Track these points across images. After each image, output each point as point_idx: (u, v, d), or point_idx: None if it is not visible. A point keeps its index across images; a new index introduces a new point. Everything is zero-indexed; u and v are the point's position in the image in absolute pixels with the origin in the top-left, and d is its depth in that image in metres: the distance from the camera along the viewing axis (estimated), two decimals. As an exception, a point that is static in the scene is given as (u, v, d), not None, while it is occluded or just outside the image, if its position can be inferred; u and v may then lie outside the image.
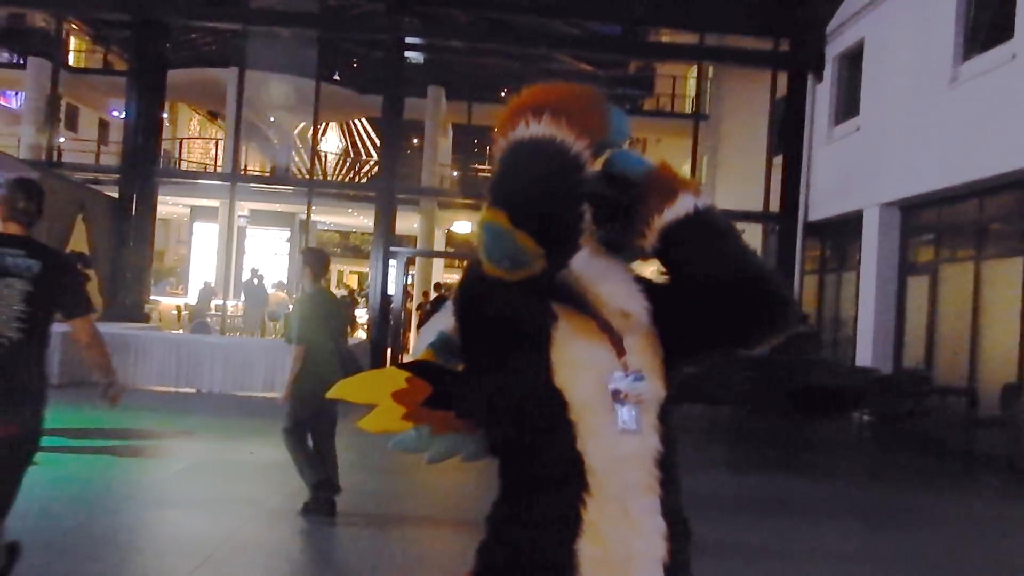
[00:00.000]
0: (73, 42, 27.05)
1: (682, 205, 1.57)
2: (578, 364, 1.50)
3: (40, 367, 3.19)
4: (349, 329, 5.60)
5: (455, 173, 28.30)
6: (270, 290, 19.65)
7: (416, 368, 1.74)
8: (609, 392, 1.50)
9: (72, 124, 28.73)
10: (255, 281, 18.66)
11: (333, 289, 34.78)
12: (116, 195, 14.51)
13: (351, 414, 8.48)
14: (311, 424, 5.39)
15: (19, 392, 3.07)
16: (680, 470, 1.60)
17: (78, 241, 13.37)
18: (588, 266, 1.57)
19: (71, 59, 26.42)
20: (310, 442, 5.41)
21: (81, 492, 5.55)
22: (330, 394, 1.76)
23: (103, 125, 30.41)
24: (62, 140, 25.77)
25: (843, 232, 13.44)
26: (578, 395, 1.49)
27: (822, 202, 13.68)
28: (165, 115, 24.71)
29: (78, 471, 6.05)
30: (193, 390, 10.72)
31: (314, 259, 5.63)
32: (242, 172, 22.38)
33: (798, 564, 5.05)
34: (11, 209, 3.22)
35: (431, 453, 1.74)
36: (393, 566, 4.50)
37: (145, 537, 4.74)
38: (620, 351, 1.54)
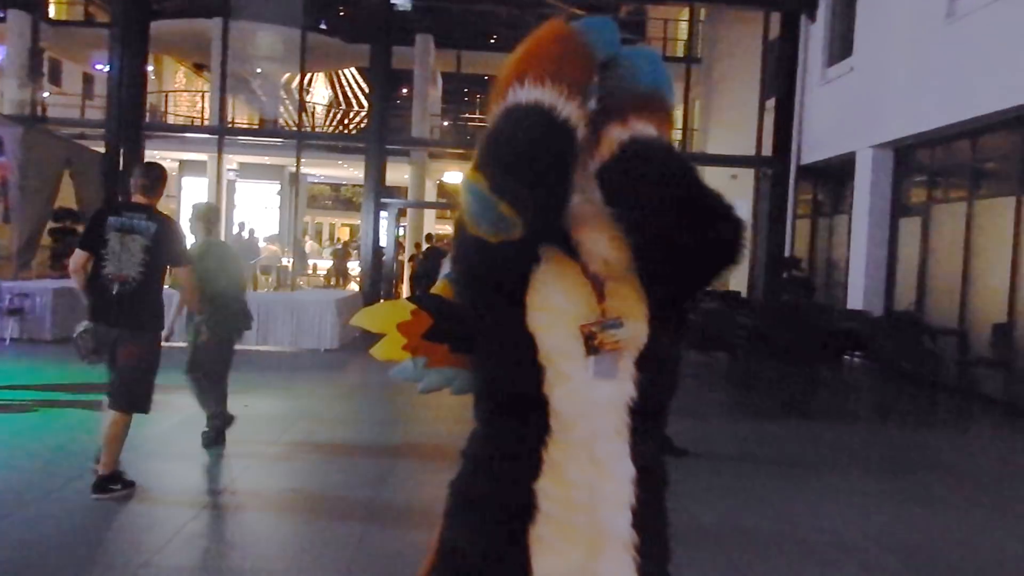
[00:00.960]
0: (53, -7, 26.49)
1: (607, 148, 1.50)
2: (553, 308, 1.50)
3: (159, 298, 4.61)
4: (248, 278, 5.83)
5: (445, 123, 28.00)
6: (262, 244, 19.57)
7: (421, 300, 1.81)
8: (583, 338, 1.49)
9: (55, 78, 28.27)
10: (245, 235, 18.56)
11: (325, 241, 34.52)
12: (103, 150, 14.33)
13: (349, 364, 8.51)
14: (206, 366, 5.76)
15: (147, 314, 4.50)
16: (658, 416, 1.60)
17: (65, 196, 13.24)
18: (575, 211, 1.55)
19: (52, 11, 25.87)
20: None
21: (78, 444, 5.57)
22: (352, 322, 1.91)
23: (87, 79, 29.92)
24: (46, 95, 25.37)
25: (836, 175, 13.38)
26: (549, 340, 1.49)
27: (815, 145, 13.59)
28: (150, 68, 24.32)
29: (75, 424, 6.07)
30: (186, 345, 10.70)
31: (206, 212, 5.84)
32: (230, 125, 22.10)
33: (799, 506, 5.12)
34: (136, 185, 4.62)
35: (424, 383, 1.81)
36: (389, 514, 4.55)
37: (141, 488, 4.76)
38: (601, 297, 1.53)
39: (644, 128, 1.50)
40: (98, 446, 4.59)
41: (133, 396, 4.55)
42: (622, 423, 1.52)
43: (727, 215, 1.49)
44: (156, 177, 4.65)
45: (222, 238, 6.00)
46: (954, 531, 4.71)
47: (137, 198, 4.59)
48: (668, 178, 1.47)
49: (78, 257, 4.46)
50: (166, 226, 4.54)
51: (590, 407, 1.49)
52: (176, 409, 7.04)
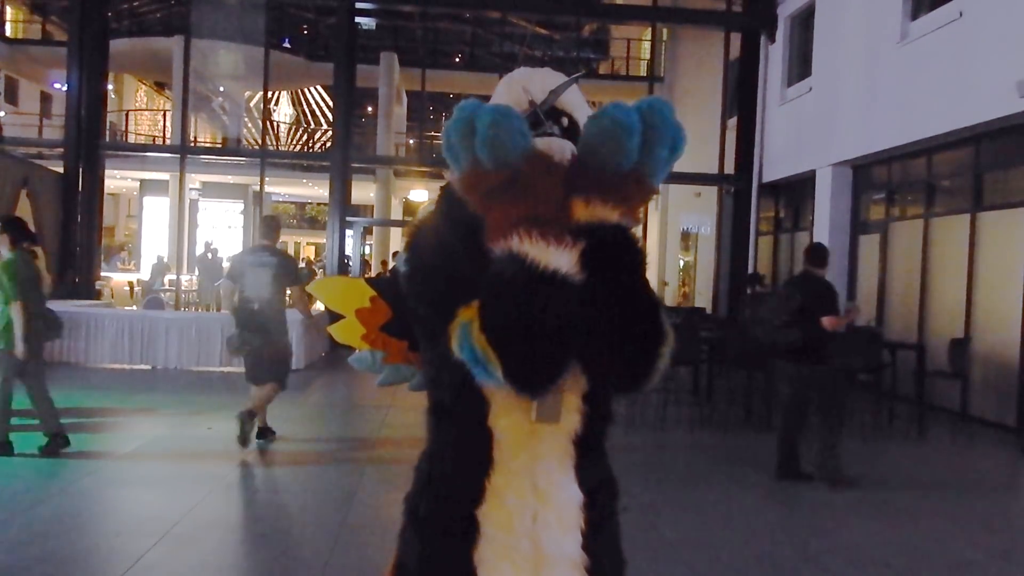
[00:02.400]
0: (10, 12, 26.09)
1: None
2: None
3: (283, 314, 6.49)
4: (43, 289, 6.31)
5: (411, 141, 28.01)
6: (225, 264, 19.39)
7: (380, 287, 1.81)
8: None
9: (12, 98, 27.88)
10: (209, 255, 18.38)
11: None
12: (61, 170, 14.11)
13: (314, 384, 8.39)
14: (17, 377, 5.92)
15: (274, 324, 6.35)
16: (604, 444, 1.61)
17: (22, 217, 13.00)
18: None
19: (8, 30, 25.50)
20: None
21: (35, 472, 5.45)
22: (308, 288, 1.94)
23: (45, 98, 29.53)
24: (2, 114, 25.00)
25: (797, 192, 13.60)
26: None
27: (776, 163, 13.80)
28: (111, 87, 24.03)
29: (35, 449, 5.93)
30: (148, 367, 10.55)
31: (12, 227, 6.15)
32: (192, 144, 21.89)
33: (762, 518, 5.16)
34: (261, 232, 6.77)
35: (382, 377, 1.85)
36: (355, 534, 4.50)
37: (101, 515, 4.67)
38: None
39: (607, 214, 1.41)
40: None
41: (280, 375, 6.52)
42: (566, 453, 1.53)
43: (657, 330, 1.43)
44: (272, 226, 6.72)
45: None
46: (914, 541, 4.78)
47: (263, 242, 6.62)
48: (612, 283, 1.41)
49: (228, 286, 6.43)
50: (282, 259, 6.55)
51: (533, 441, 1.50)
52: (136, 433, 6.93)
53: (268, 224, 6.79)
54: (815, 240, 12.24)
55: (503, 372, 1.35)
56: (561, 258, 1.35)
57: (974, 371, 8.79)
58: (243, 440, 6.20)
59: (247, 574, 3.99)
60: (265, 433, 6.66)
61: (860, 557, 4.44)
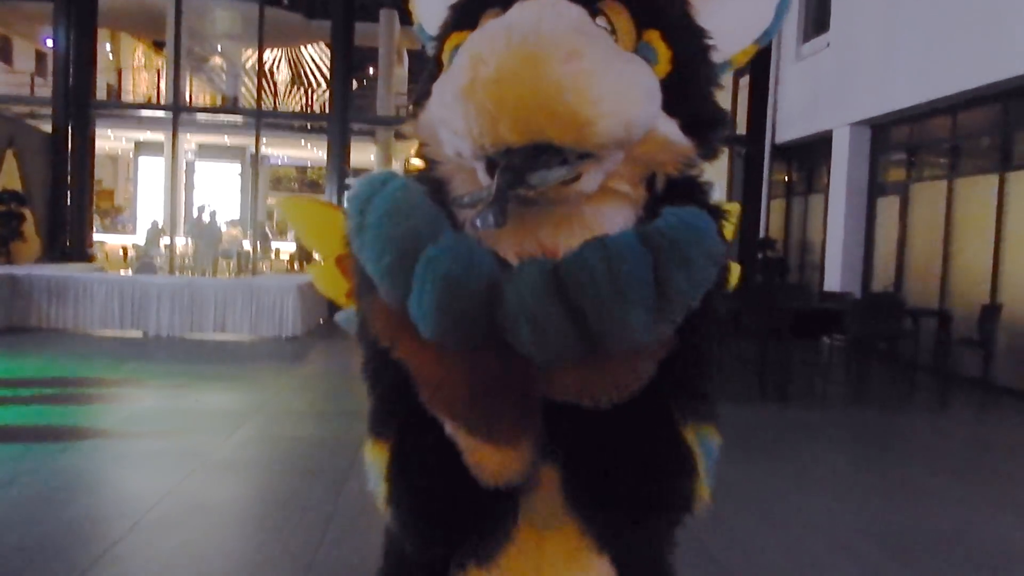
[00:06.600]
0: (0, -33, 25.45)
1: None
2: None
3: None
4: None
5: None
6: (223, 227, 19.01)
7: None
8: None
9: (6, 56, 27.35)
10: (206, 218, 18.00)
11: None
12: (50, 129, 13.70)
13: (311, 353, 8.08)
14: None
15: None
16: None
17: (9, 178, 12.65)
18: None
19: (-2, -14, 24.88)
20: None
21: (12, 444, 5.13)
22: (276, 202, 1.68)
23: (40, 57, 28.93)
24: (-7, 73, 24.47)
25: (811, 154, 13.15)
26: None
27: (790, 123, 13.34)
28: (107, 46, 23.49)
29: (10, 422, 5.63)
30: (140, 333, 10.23)
31: None
32: (187, 103, 21.41)
33: (780, 496, 4.84)
34: None
35: None
36: (350, 517, 4.18)
37: (78, 495, 4.34)
38: None
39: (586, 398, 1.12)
40: None
41: None
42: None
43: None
44: None
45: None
46: (938, 518, 4.46)
47: None
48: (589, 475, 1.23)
49: None
50: None
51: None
52: (119, 405, 6.61)
53: None
54: (830, 202, 11.83)
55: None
56: (508, 465, 1.01)
57: (999, 338, 8.44)
58: None
59: (232, 559, 3.66)
60: None
61: (887, 538, 4.12)
